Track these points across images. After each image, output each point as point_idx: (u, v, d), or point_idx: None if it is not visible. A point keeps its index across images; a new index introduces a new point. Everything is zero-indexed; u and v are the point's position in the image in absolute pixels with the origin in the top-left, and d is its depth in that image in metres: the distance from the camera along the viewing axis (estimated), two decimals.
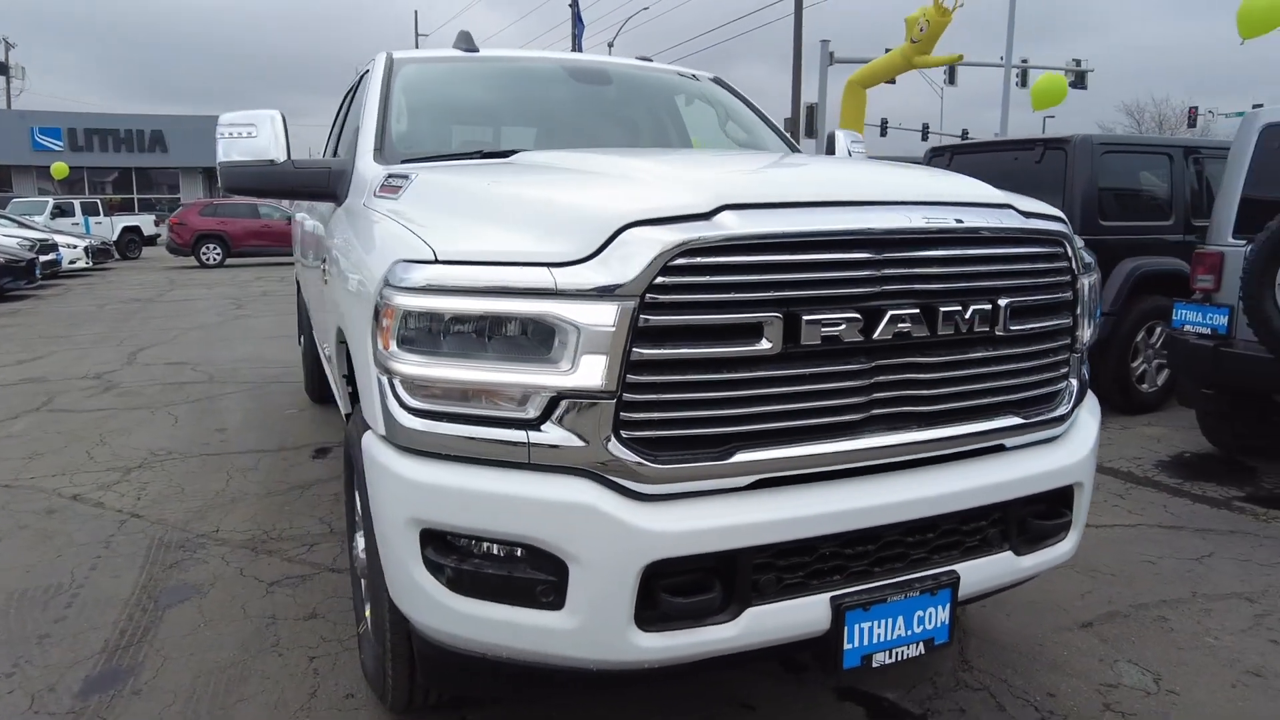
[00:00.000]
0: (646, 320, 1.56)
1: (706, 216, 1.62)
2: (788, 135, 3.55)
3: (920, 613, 1.83)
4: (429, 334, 1.67)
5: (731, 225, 1.61)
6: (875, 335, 1.71)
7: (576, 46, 25.92)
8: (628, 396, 1.58)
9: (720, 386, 1.63)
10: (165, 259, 21.96)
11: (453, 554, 1.69)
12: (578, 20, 26.58)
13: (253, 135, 2.79)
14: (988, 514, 1.92)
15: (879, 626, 1.79)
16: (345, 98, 4.37)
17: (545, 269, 1.58)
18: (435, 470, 1.67)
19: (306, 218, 4.16)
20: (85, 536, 3.57)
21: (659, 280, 1.55)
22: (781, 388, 1.67)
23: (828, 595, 1.74)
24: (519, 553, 1.65)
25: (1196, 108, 34.23)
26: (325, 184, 2.80)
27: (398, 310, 1.68)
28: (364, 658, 2.38)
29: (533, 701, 2.35)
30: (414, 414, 1.69)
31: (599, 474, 1.60)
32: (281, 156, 2.78)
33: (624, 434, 1.60)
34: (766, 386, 1.66)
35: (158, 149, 36.59)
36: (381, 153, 2.76)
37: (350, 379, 2.62)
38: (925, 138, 32.76)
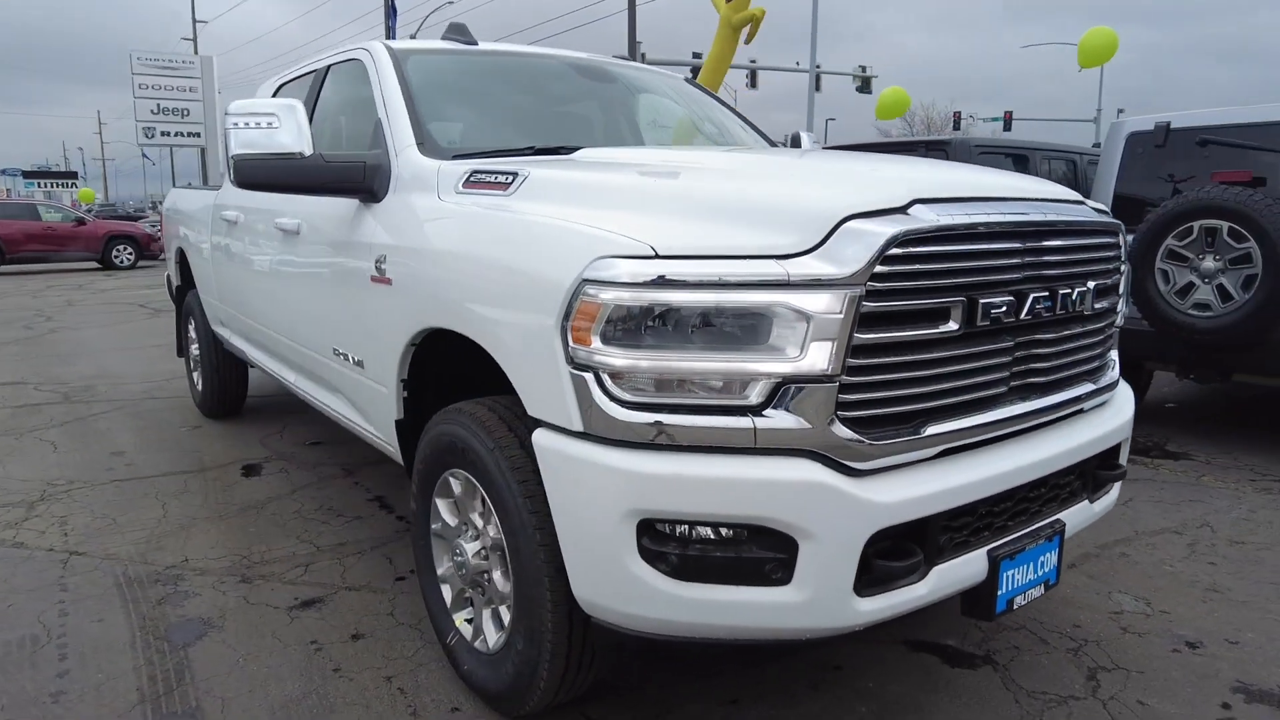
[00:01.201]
0: (866, 307, 1.68)
1: (904, 210, 1.77)
2: (763, 132, 3.74)
3: (1042, 558, 2.08)
4: (641, 328, 1.69)
5: (928, 218, 1.76)
6: (1020, 316, 1.93)
7: (391, 39, 24.91)
8: (846, 379, 1.69)
9: (915, 366, 1.78)
10: None
11: (672, 542, 1.73)
12: (392, 12, 25.51)
13: (273, 126, 2.59)
14: (1078, 468, 2.21)
15: (1019, 573, 2.02)
16: (280, 92, 4.07)
17: (774, 261, 1.66)
18: (656, 460, 1.69)
19: (251, 217, 3.83)
20: (28, 581, 3.11)
21: (878, 269, 1.68)
22: (959, 365, 1.85)
23: (985, 549, 1.94)
24: (744, 534, 1.71)
25: (960, 112, 38.43)
26: (360, 179, 2.64)
27: (606, 306, 1.69)
28: (469, 668, 2.31)
29: (649, 688, 2.39)
30: (629, 407, 1.71)
31: (821, 454, 1.70)
32: (307, 149, 2.60)
33: (841, 415, 1.71)
34: (949, 365, 1.83)
35: None
36: (425, 147, 2.65)
37: (408, 383, 2.53)
38: None
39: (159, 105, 30.98)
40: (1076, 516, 2.22)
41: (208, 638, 2.71)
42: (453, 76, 3.08)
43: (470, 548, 2.27)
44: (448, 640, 2.42)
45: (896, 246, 1.69)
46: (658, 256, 1.68)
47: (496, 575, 2.20)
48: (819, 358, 1.66)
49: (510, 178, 2.20)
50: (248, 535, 3.56)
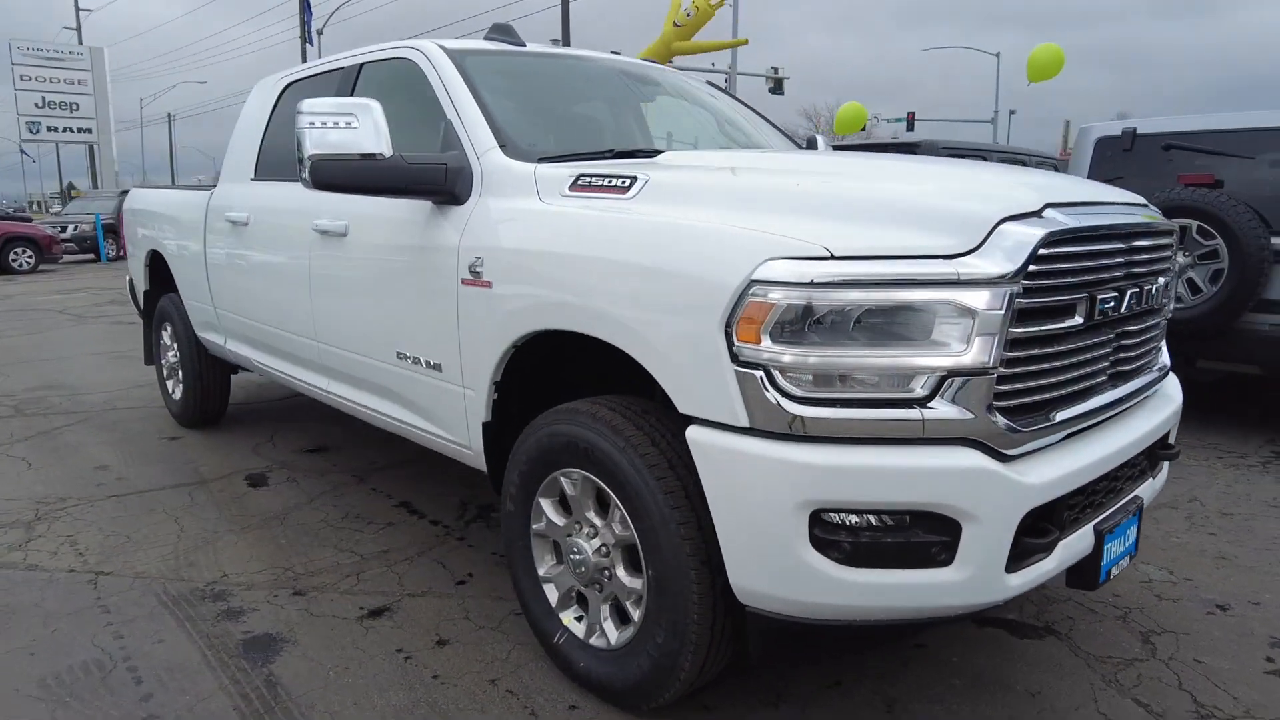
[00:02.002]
0: (1019, 303, 1.80)
1: (1038, 214, 1.90)
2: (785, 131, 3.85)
3: (1129, 530, 2.27)
4: (813, 326, 1.76)
5: (1062, 220, 1.90)
6: (1121, 310, 2.10)
7: (306, 35, 24.09)
8: (1002, 371, 1.81)
9: (1049, 358, 1.92)
10: None
11: (842, 530, 1.81)
12: (306, 8, 24.68)
13: (352, 126, 2.54)
14: (1150, 448, 2.41)
15: (1115, 545, 2.19)
16: (282, 98, 3.94)
17: (945, 261, 1.76)
18: (829, 453, 1.77)
19: (273, 218, 3.71)
20: (62, 604, 2.94)
21: (1030, 268, 1.80)
22: (1080, 356, 2.00)
23: (1091, 524, 2.10)
24: (909, 519, 1.81)
25: (879, 114, 39.93)
26: (441, 181, 2.61)
27: (778, 306, 1.76)
28: (585, 665, 2.33)
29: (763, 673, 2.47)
30: (801, 402, 1.78)
31: (980, 441, 1.81)
32: (387, 150, 2.56)
33: (996, 404, 1.83)
34: (1073, 355, 1.98)
35: None
36: (507, 149, 2.64)
37: (499, 385, 2.53)
38: None
39: (44, 99, 29.02)
40: (1146, 492, 2.41)
41: (285, 653, 2.63)
42: (512, 78, 3.06)
43: (590, 545, 2.29)
44: (554, 640, 2.44)
45: (1043, 247, 1.83)
46: (833, 258, 1.76)
47: (620, 572, 2.23)
48: (981, 351, 1.77)
49: (629, 181, 2.24)
50: (280, 547, 3.45)
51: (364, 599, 3.00)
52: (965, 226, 1.81)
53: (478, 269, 2.48)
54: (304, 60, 25.23)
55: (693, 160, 2.51)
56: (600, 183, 2.30)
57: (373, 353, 3.07)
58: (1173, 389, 2.64)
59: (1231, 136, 4.52)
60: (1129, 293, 2.12)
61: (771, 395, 1.79)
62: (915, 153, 6.23)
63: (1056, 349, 1.93)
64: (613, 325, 2.09)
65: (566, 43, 20.12)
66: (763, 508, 1.83)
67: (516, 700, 2.38)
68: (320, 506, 3.90)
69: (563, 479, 2.34)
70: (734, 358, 1.83)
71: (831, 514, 1.80)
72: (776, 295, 1.77)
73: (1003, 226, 1.82)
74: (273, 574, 3.20)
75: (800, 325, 1.77)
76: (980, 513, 1.79)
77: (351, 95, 3.39)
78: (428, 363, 2.79)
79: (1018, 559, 1.89)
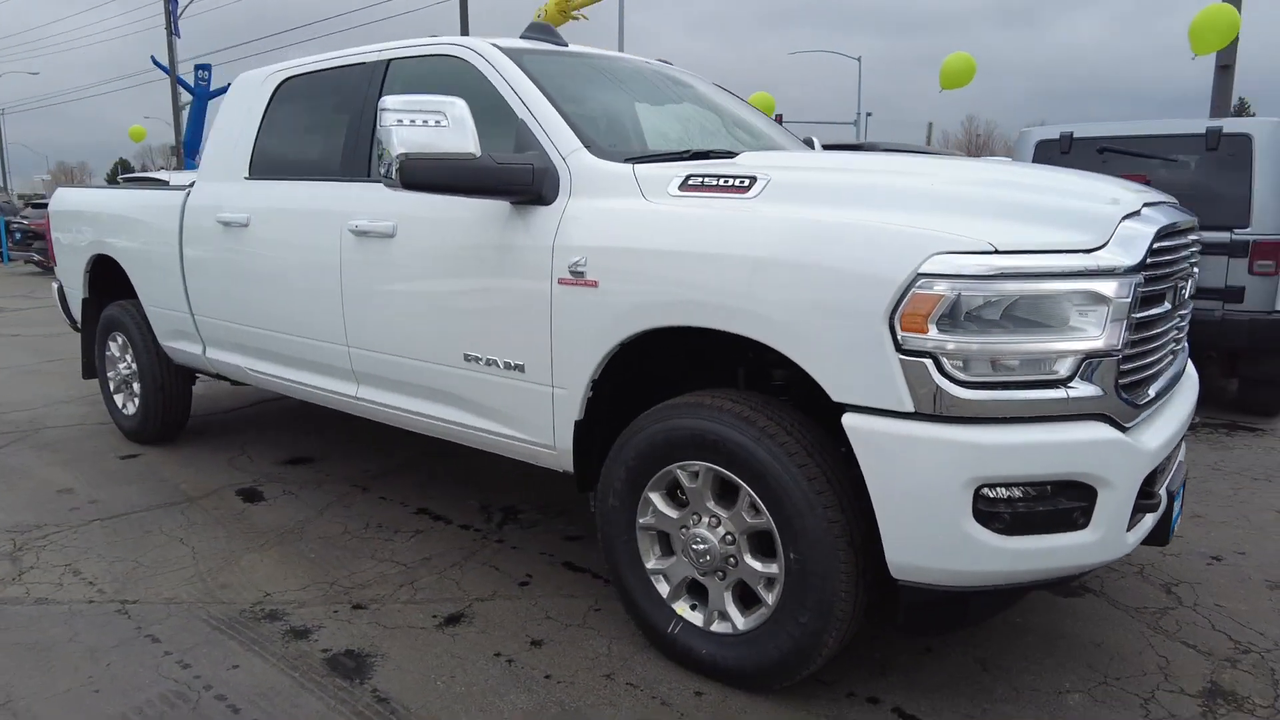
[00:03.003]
0: (1139, 291, 2.02)
1: (1138, 213, 2.13)
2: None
3: (1183, 492, 2.56)
4: (976, 316, 1.91)
5: (1159, 217, 2.14)
6: (1186, 296, 2.38)
7: (172, 26, 22.47)
8: (1125, 352, 2.03)
9: (1149, 340, 2.16)
10: None
11: (1000, 503, 1.97)
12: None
13: (440, 124, 2.50)
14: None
15: (1177, 505, 2.47)
16: (278, 94, 3.76)
17: (1084, 255, 1.95)
18: (991, 432, 1.93)
19: (288, 220, 3.54)
20: (101, 638, 2.72)
21: (1148, 260, 2.03)
22: (1164, 337, 2.25)
23: (1165, 486, 2.36)
24: (1051, 489, 1.99)
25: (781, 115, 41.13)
26: (529, 182, 2.59)
27: (945, 297, 1.90)
28: (708, 651, 2.39)
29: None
30: (964, 386, 1.93)
31: (1107, 415, 2.02)
32: (476, 149, 2.53)
33: (1119, 382, 2.04)
34: (1161, 337, 2.23)
35: None
36: (593, 150, 2.66)
37: (598, 385, 2.56)
38: None
39: None
40: (1181, 457, 2.73)
41: (379, 668, 2.55)
42: (568, 78, 3.06)
43: (714, 535, 2.36)
44: (669, 631, 2.49)
45: (1155, 240, 2.05)
46: (995, 252, 1.91)
47: (747, 558, 2.31)
48: (1112, 335, 1.97)
49: (748, 181, 2.31)
50: (312, 562, 3.30)
51: (432, 607, 2.93)
52: (1095, 224, 2.01)
53: (579, 269, 2.49)
54: (170, 52, 23.58)
55: (788, 161, 2.60)
56: (714, 183, 2.37)
57: (431, 356, 3.00)
58: (1191, 368, 2.98)
59: (1155, 141, 5.07)
60: (1190, 279, 2.40)
61: (939, 381, 1.93)
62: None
63: (1154, 331, 2.17)
64: (753, 319, 2.17)
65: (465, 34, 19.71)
66: (930, 486, 1.96)
67: (641, 692, 2.41)
68: (334, 518, 3.75)
69: (679, 472, 2.40)
70: (898, 346, 1.95)
71: (992, 488, 1.96)
72: (942, 287, 1.90)
73: (1124, 224, 2.03)
74: (319, 590, 3.07)
75: (963, 315, 1.91)
76: (1113, 479, 2.00)
77: (380, 93, 3.29)
78: (506, 364, 2.76)
79: (1131, 519, 2.12)
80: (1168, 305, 2.21)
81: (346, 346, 3.33)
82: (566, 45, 3.31)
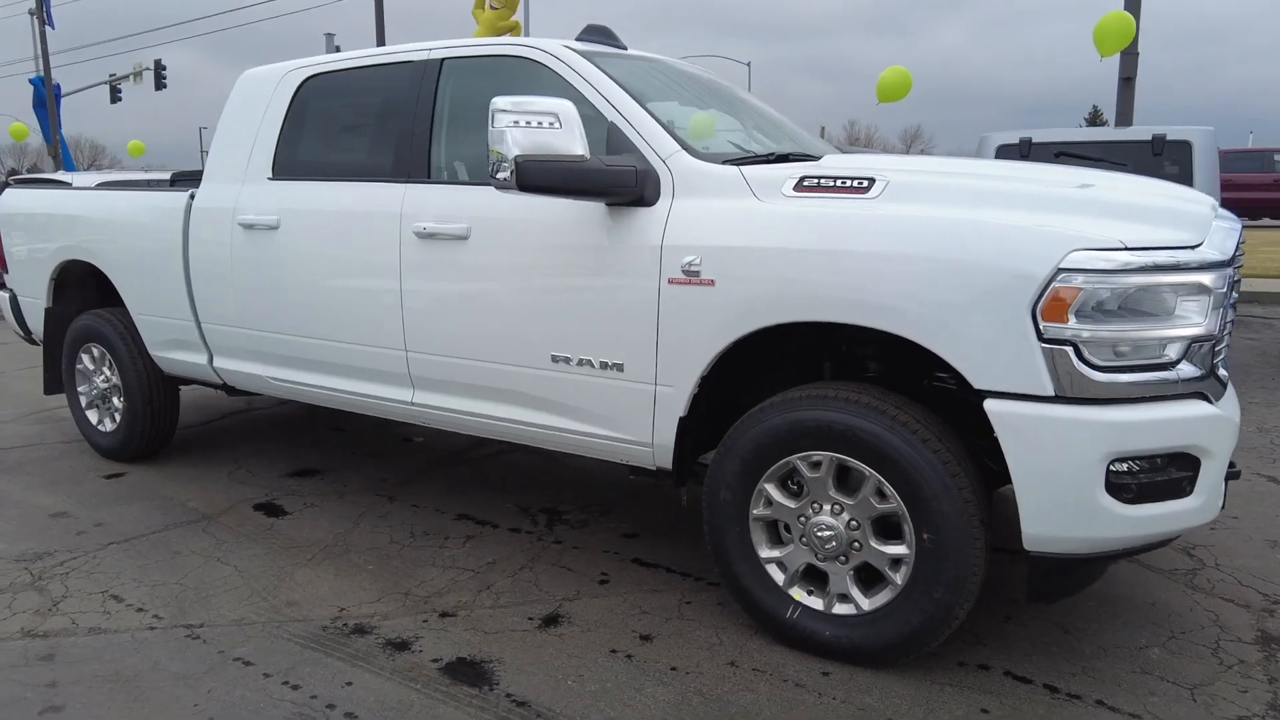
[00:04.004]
0: (1230, 282, 2.27)
1: (1218, 213, 2.39)
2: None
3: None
4: (1107, 306, 2.11)
5: (1231, 216, 2.40)
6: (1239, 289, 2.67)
7: (45, 17, 20.78)
8: (1217, 336, 2.27)
9: (1227, 325, 2.42)
10: None
11: (1126, 475, 2.17)
12: None
13: (554, 126, 2.51)
14: None
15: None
16: (302, 92, 3.63)
17: (1190, 250, 2.17)
18: (1121, 411, 2.13)
19: (333, 222, 3.43)
20: (186, 665, 2.58)
21: (1234, 254, 2.28)
22: (1219, 323, 2.52)
23: None
24: (1163, 460, 2.21)
25: None
26: (632, 184, 2.63)
27: (1084, 290, 2.08)
28: (832, 633, 2.51)
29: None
30: (1099, 370, 2.12)
31: (1203, 394, 2.25)
32: (586, 152, 2.56)
33: (1212, 363, 2.28)
34: (1228, 325, 2.50)
35: None
36: (689, 152, 2.72)
37: (704, 382, 2.64)
38: None
39: None
40: None
41: (501, 672, 2.53)
42: (640, 82, 3.10)
43: (839, 522, 2.47)
44: (787, 616, 2.58)
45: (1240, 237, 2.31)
46: (1126, 249, 2.11)
47: (873, 542, 2.44)
48: (1212, 322, 2.21)
49: (867, 182, 2.44)
50: (372, 574, 3.21)
51: (521, 610, 2.92)
52: (1195, 223, 2.25)
53: (693, 268, 2.55)
54: (43, 44, 21.76)
55: (892, 164, 2.73)
56: (831, 184, 2.48)
57: (511, 358, 2.98)
58: None
59: (1107, 146, 5.54)
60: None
61: (1079, 366, 2.11)
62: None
63: (1231, 318, 2.44)
64: (888, 313, 2.29)
65: (381, 41, 19.01)
66: (1069, 463, 2.14)
67: (771, 675, 2.50)
68: (373, 529, 3.64)
69: (800, 463, 2.50)
70: (1040, 335, 2.12)
71: (1121, 462, 2.16)
72: (1080, 280, 2.09)
73: (1215, 222, 2.27)
74: (395, 600, 3.00)
75: (1098, 305, 2.10)
76: (1214, 449, 2.24)
77: (435, 92, 3.24)
78: (603, 363, 2.79)
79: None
80: (1235, 295, 2.48)
81: (404, 351, 3.25)
82: (626, 48, 3.35)
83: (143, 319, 4.17)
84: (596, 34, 3.30)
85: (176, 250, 3.90)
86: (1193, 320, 2.19)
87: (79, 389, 4.61)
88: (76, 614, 2.92)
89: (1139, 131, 5.53)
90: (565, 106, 2.53)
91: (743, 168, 2.63)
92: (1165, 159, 5.37)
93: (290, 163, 3.62)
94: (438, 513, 3.83)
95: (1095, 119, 44.60)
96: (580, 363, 2.84)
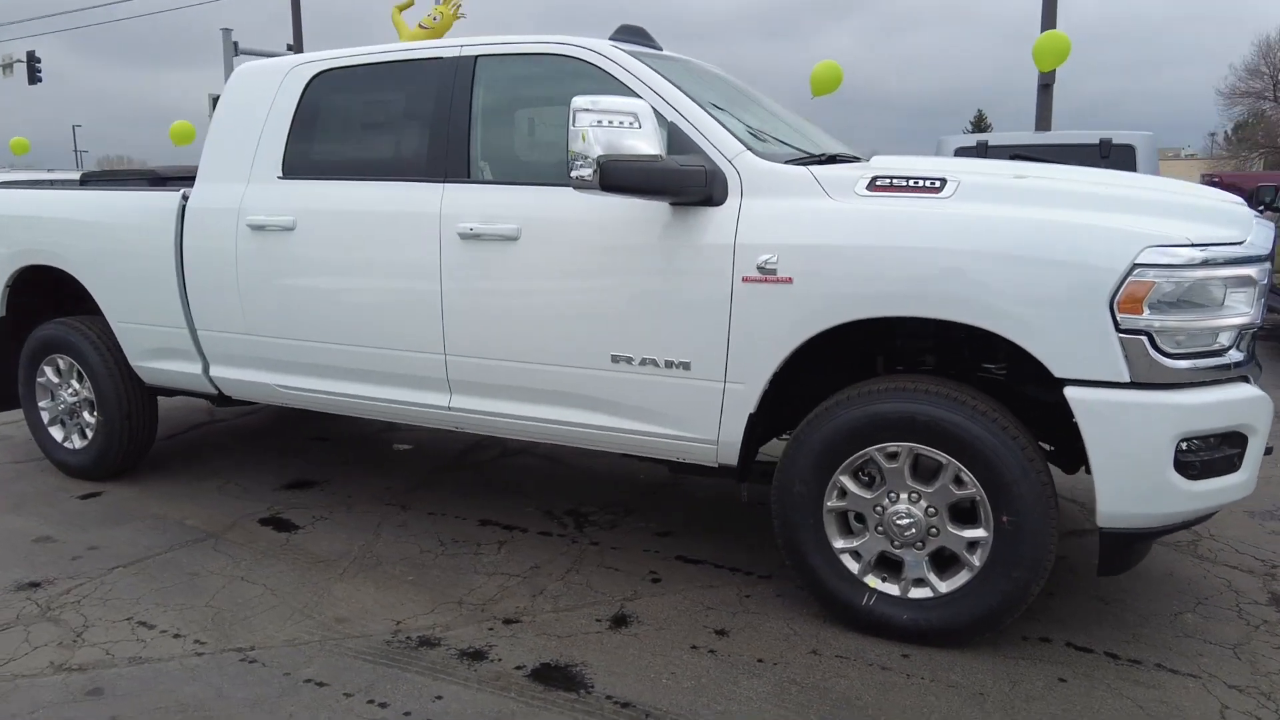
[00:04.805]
0: (1270, 274, 2.49)
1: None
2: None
3: None
4: (1177, 298, 2.28)
5: (1260, 216, 2.63)
6: None
7: None
8: (1258, 324, 2.48)
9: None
10: None
11: (1189, 454, 2.35)
12: None
13: (635, 126, 2.52)
14: None
15: None
16: (312, 88, 3.48)
17: (1240, 246, 2.37)
18: (1189, 395, 2.31)
19: (366, 224, 3.30)
20: (253, 690, 2.45)
21: (1271, 250, 2.50)
22: (1260, 313, 2.75)
23: None
24: (1214, 439, 2.41)
25: None
26: (703, 184, 2.65)
27: (1157, 284, 2.25)
28: (909, 617, 2.60)
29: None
30: (1170, 357, 2.29)
31: (1246, 377, 2.46)
32: (662, 151, 2.58)
33: (1252, 349, 2.49)
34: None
35: None
36: (753, 152, 2.76)
37: (774, 382, 2.70)
38: None
39: None
40: None
41: (591, 675, 2.51)
42: (698, 83, 3.10)
43: (918, 509, 2.57)
44: (863, 603, 2.66)
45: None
46: (1193, 245, 2.29)
47: (950, 527, 2.55)
48: (1256, 311, 2.42)
49: (939, 183, 2.54)
50: (412, 584, 3.12)
51: (585, 612, 2.90)
52: (1240, 221, 2.45)
53: (769, 266, 2.60)
54: None
55: (952, 165, 2.85)
56: (904, 184, 2.57)
57: (567, 359, 2.95)
58: None
59: (1058, 149, 5.91)
60: None
61: (1153, 354, 2.27)
62: None
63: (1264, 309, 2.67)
64: (970, 307, 2.39)
65: (299, 45, 18.14)
66: (1144, 444, 2.30)
67: (856, 661, 2.57)
68: (398, 539, 3.53)
69: (877, 454, 2.58)
70: (1117, 326, 2.27)
71: (1187, 442, 2.34)
72: (1153, 275, 2.25)
73: (1254, 221, 2.49)
74: (450, 610, 2.92)
75: (1167, 297, 2.27)
76: (1259, 427, 2.45)
77: (471, 90, 3.17)
78: (668, 362, 2.80)
79: None
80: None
81: (443, 355, 3.17)
82: (661, 49, 3.36)
83: (124, 327, 3.90)
84: (632, 34, 3.29)
85: (168, 253, 3.66)
86: (1241, 310, 2.39)
87: (40, 404, 4.26)
88: (107, 644, 2.71)
89: (1087, 135, 5.95)
90: (642, 107, 2.53)
91: (811, 168, 2.70)
92: (1112, 161, 5.77)
93: (303, 161, 3.46)
94: (458, 519, 3.75)
95: (980, 124, 46.82)
96: (643, 362, 2.84)
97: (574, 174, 2.53)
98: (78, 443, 4.18)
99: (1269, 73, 34.01)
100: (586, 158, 2.49)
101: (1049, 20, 9.36)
